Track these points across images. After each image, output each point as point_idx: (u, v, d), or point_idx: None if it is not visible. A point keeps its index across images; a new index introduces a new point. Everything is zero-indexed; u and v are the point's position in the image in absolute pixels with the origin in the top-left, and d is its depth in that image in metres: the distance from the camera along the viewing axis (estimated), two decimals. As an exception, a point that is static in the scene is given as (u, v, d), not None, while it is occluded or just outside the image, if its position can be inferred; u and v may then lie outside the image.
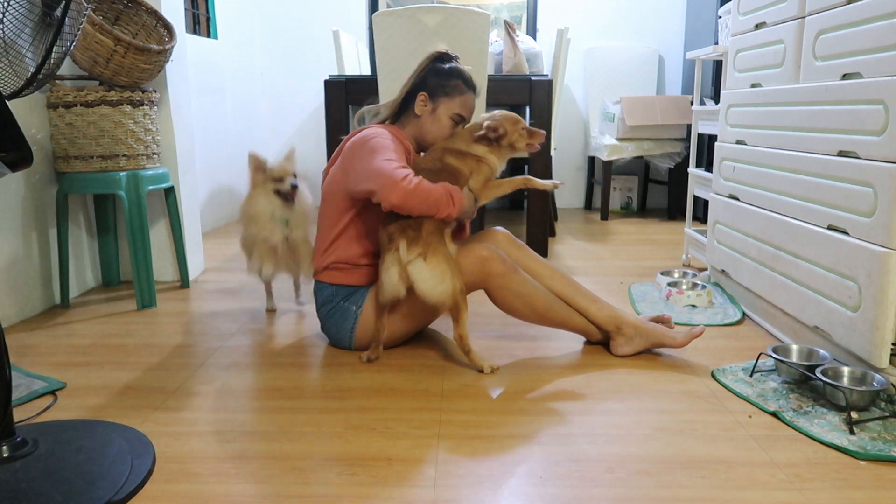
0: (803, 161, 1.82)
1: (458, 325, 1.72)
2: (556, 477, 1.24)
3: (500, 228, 1.96)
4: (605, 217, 4.23)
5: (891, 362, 1.53)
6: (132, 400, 1.59)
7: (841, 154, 1.66)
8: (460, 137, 1.84)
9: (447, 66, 1.85)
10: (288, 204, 2.11)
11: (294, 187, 2.09)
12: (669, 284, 2.35)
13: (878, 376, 1.49)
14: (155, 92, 2.41)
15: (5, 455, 1.23)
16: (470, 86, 1.87)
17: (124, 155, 2.30)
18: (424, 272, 1.68)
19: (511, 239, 1.92)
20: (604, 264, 2.95)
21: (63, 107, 2.24)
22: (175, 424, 1.46)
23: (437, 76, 1.84)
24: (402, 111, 1.91)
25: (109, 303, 2.41)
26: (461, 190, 1.75)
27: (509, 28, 3.40)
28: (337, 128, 2.96)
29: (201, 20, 3.92)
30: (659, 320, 1.89)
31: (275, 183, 2.09)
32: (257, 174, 2.11)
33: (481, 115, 1.88)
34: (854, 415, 1.43)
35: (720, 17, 2.98)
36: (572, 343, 1.95)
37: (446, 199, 1.68)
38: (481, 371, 1.73)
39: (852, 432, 1.38)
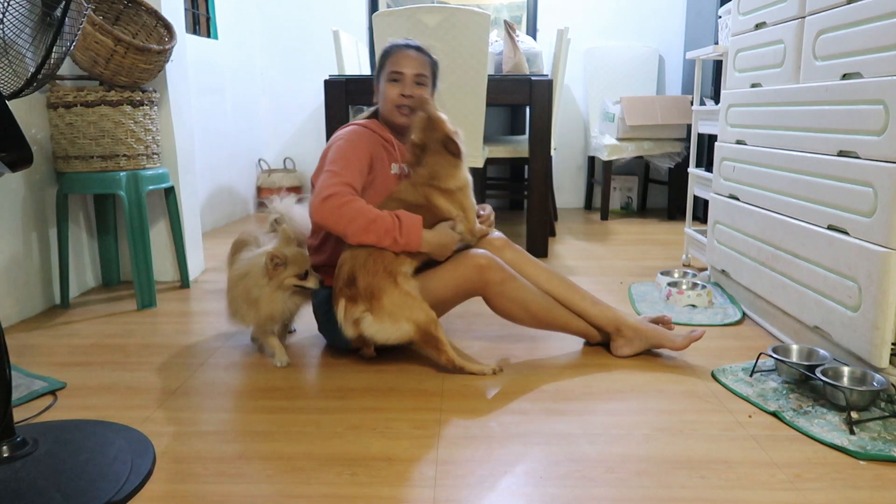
0: (803, 161, 1.82)
1: (439, 353, 1.70)
2: (556, 477, 1.24)
3: (497, 233, 1.94)
4: (605, 217, 4.23)
5: (891, 362, 1.53)
6: (132, 400, 1.59)
7: (841, 154, 1.66)
8: (451, 175, 1.73)
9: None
10: (306, 296, 1.85)
11: (321, 282, 1.80)
12: (669, 284, 2.35)
13: (878, 376, 1.49)
14: (155, 92, 2.41)
15: (5, 455, 1.23)
16: (396, 45, 1.88)
17: (124, 155, 2.30)
18: (374, 327, 1.66)
19: (507, 243, 1.90)
20: (604, 264, 2.95)
21: (63, 107, 2.24)
22: (175, 424, 1.46)
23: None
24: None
25: (109, 303, 2.41)
26: (440, 224, 1.73)
27: (509, 28, 3.40)
28: (337, 128, 2.95)
29: (201, 20, 3.92)
30: (659, 321, 1.89)
31: (298, 280, 1.76)
32: (280, 271, 1.75)
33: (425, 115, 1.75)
34: (854, 415, 1.43)
35: (720, 17, 2.98)
36: (572, 343, 1.94)
37: (388, 226, 1.64)
38: (484, 375, 1.72)
39: (852, 432, 1.38)
